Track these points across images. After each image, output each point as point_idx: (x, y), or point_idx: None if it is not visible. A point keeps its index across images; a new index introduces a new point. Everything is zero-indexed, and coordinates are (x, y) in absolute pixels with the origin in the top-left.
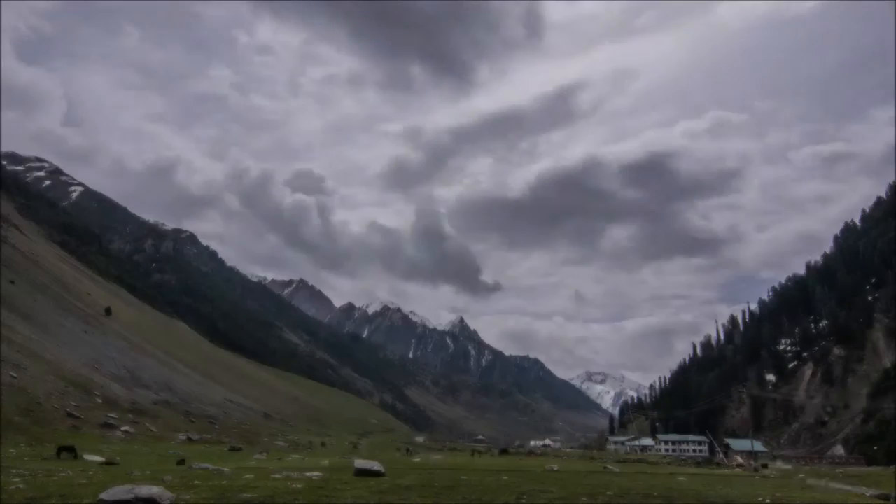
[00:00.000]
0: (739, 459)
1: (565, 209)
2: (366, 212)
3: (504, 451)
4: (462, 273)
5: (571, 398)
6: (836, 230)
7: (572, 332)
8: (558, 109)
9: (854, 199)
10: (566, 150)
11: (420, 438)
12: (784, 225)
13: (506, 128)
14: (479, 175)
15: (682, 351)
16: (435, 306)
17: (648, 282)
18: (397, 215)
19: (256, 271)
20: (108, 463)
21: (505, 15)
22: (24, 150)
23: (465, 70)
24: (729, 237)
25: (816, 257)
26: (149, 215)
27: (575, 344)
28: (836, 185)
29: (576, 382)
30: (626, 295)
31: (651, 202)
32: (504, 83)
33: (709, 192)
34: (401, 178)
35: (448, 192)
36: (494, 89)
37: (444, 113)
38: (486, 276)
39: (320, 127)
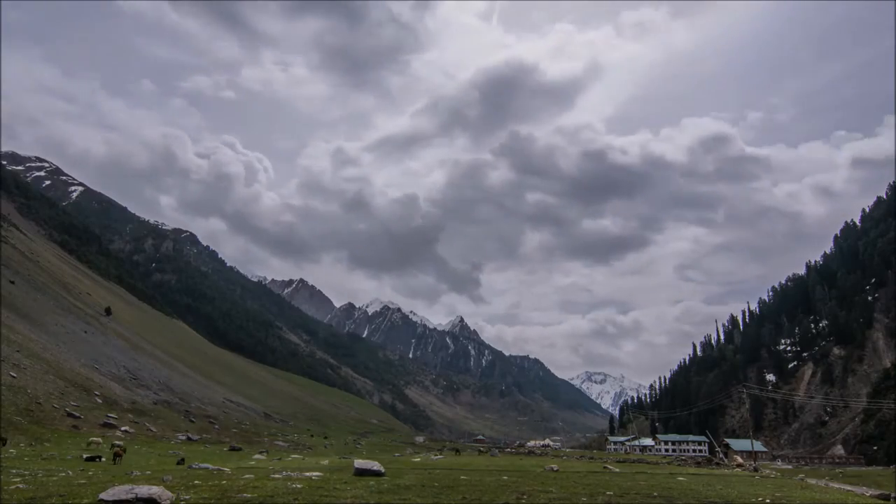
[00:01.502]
0: (739, 459)
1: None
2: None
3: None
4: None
5: (571, 398)
6: (836, 230)
7: (513, 334)
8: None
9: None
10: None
11: (420, 438)
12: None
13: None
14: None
15: (632, 352)
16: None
17: (579, 283)
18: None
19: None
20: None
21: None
22: (24, 150)
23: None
24: (641, 238)
25: (816, 257)
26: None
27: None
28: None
29: (576, 382)
30: (548, 297)
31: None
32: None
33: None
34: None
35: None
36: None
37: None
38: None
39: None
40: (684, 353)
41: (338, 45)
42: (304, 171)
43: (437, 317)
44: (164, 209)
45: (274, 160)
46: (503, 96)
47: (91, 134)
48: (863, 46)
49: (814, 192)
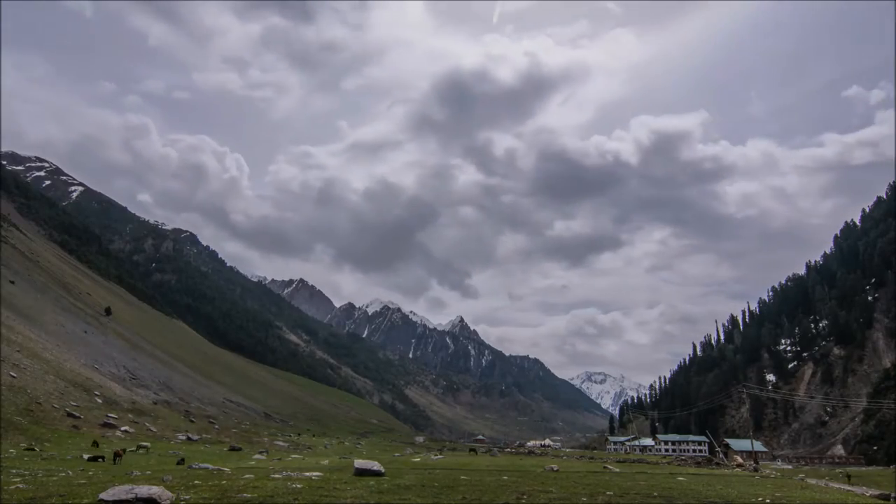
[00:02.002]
0: (739, 459)
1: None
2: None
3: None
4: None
5: (571, 398)
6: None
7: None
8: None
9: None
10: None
11: (420, 438)
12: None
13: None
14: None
15: (616, 351)
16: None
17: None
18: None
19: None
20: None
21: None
22: (23, 150)
23: None
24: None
25: (816, 257)
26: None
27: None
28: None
29: (576, 382)
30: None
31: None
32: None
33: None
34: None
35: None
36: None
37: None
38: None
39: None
40: (666, 352)
41: (291, 47)
42: (273, 174)
43: (417, 307)
44: (141, 204)
45: (238, 159)
46: (464, 102)
47: (50, 127)
48: (824, 54)
49: (773, 194)
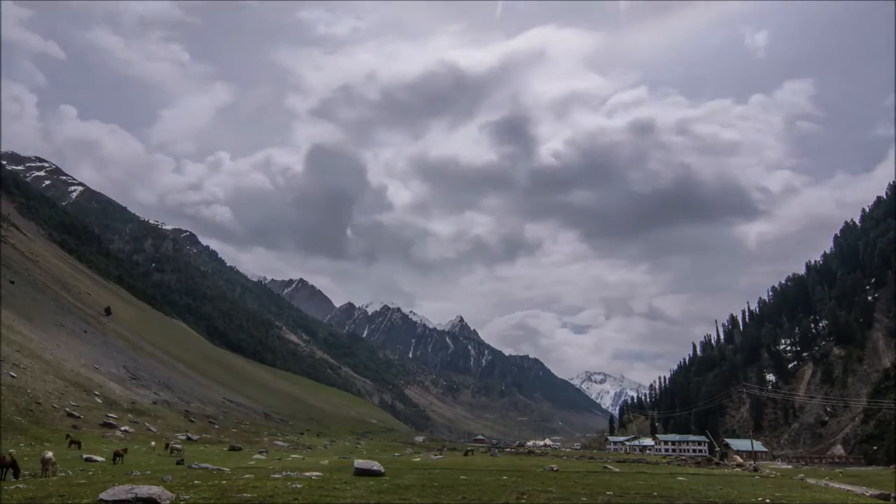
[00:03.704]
0: (739, 459)
1: None
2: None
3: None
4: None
5: (571, 398)
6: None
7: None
8: None
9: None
10: None
11: (420, 438)
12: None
13: None
14: None
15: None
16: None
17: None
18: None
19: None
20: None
21: None
22: (24, 150)
23: None
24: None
25: (816, 257)
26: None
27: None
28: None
29: (576, 382)
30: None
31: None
32: None
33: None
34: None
35: None
36: None
37: None
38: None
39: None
40: (611, 350)
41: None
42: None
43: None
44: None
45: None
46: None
47: None
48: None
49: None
